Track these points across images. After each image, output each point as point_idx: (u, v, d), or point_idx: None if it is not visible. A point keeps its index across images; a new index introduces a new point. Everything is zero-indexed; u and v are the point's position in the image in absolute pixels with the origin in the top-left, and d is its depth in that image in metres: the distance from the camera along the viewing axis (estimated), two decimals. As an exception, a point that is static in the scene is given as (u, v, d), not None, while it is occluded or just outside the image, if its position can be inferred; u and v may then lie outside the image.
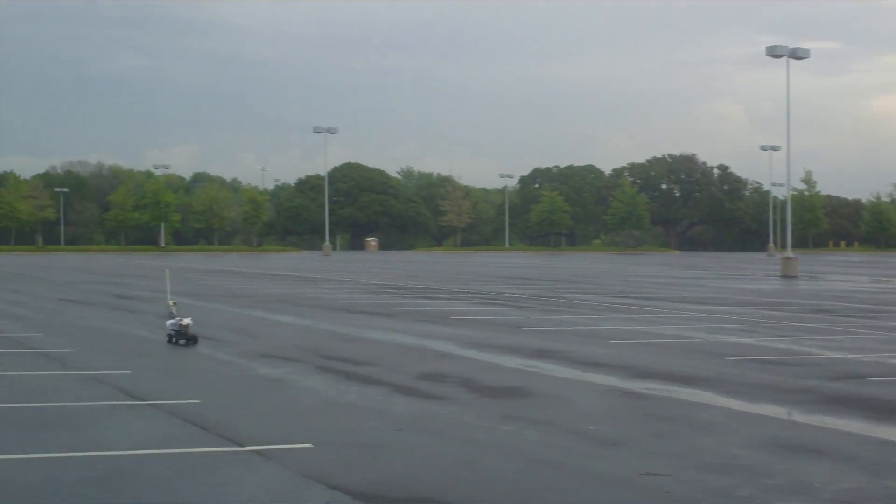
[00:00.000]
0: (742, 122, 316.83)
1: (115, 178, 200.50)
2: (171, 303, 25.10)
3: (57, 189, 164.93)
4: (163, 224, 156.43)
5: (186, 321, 24.07)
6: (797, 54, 71.68)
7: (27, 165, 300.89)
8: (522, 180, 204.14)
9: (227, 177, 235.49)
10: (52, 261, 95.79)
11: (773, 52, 71.04)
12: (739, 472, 11.81)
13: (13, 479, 11.39)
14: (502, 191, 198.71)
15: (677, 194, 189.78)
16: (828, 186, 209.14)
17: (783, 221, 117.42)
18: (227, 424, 14.34)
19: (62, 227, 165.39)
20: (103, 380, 18.56)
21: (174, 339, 24.04)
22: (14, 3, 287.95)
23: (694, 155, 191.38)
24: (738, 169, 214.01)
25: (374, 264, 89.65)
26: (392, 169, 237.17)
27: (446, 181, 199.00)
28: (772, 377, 19.48)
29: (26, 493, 10.85)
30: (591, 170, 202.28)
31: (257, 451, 12.70)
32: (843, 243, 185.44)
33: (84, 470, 11.83)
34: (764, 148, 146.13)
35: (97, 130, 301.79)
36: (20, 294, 42.86)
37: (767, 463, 12.32)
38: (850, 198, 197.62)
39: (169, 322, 24.37)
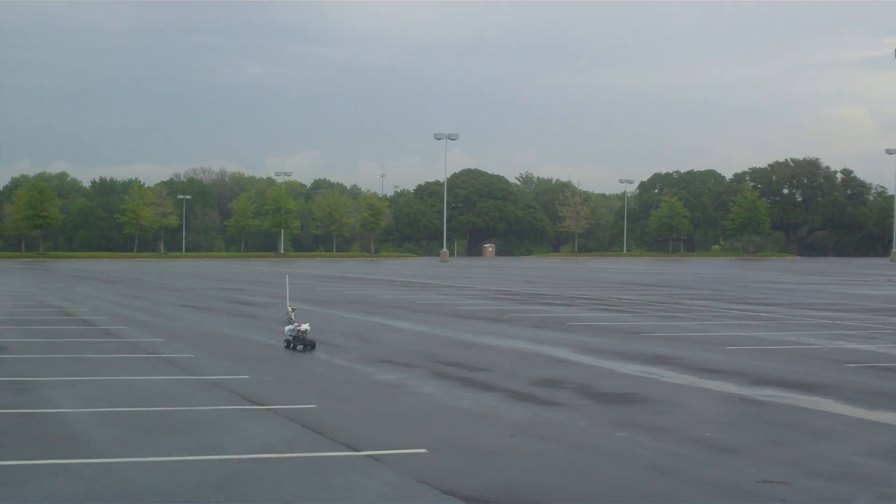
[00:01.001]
0: (867, 126, 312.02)
1: (237, 185, 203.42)
2: (289, 308, 25.29)
3: (180, 196, 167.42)
4: (282, 230, 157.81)
5: (304, 327, 24.26)
6: (926, 55, 70.22)
7: (151, 173, 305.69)
8: (642, 186, 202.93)
9: (347, 183, 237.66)
10: (174, 267, 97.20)
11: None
12: (857, 481, 11.67)
13: (134, 482, 11.63)
14: (621, 196, 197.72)
15: (799, 199, 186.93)
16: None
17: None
18: (342, 429, 14.48)
19: (184, 233, 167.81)
20: (222, 385, 18.83)
21: (292, 345, 24.27)
22: (138, 14, 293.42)
23: (817, 159, 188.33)
24: (861, 173, 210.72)
25: (491, 270, 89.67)
26: (511, 175, 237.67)
27: (565, 187, 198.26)
28: (893, 384, 19.20)
29: (146, 495, 11.06)
30: (711, 175, 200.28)
31: (372, 456, 12.80)
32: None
33: (202, 473, 12.03)
34: (889, 151, 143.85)
35: (220, 138, 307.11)
36: (142, 300, 43.57)
37: (886, 471, 12.16)
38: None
39: (287, 328, 24.59)
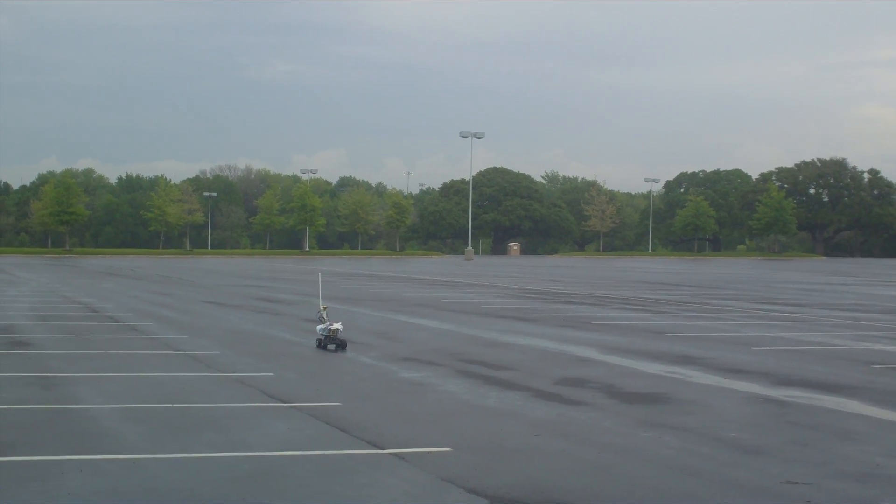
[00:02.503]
0: (894, 126, 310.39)
1: (263, 182, 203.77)
2: (321, 307, 25.16)
3: (206, 193, 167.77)
4: (308, 228, 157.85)
5: (336, 326, 24.04)
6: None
7: (178, 170, 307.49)
8: (668, 185, 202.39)
9: (373, 181, 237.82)
10: (199, 263, 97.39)
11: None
12: (882, 482, 11.63)
13: (158, 478, 11.65)
14: (647, 195, 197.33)
15: (825, 199, 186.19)
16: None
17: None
18: (367, 427, 14.48)
19: (209, 230, 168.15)
20: (247, 382, 18.86)
21: (323, 345, 24.16)
22: (166, 13, 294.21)
23: (844, 159, 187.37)
24: (889, 173, 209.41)
25: (516, 269, 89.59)
26: (537, 173, 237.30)
27: (591, 185, 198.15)
28: (919, 386, 19.10)
29: (171, 492, 11.08)
30: (737, 174, 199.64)
31: (397, 454, 12.80)
32: None
33: (227, 470, 12.05)
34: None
35: (247, 135, 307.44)
36: (168, 297, 43.68)
37: (912, 473, 12.11)
38: None
39: (319, 327, 24.44)
